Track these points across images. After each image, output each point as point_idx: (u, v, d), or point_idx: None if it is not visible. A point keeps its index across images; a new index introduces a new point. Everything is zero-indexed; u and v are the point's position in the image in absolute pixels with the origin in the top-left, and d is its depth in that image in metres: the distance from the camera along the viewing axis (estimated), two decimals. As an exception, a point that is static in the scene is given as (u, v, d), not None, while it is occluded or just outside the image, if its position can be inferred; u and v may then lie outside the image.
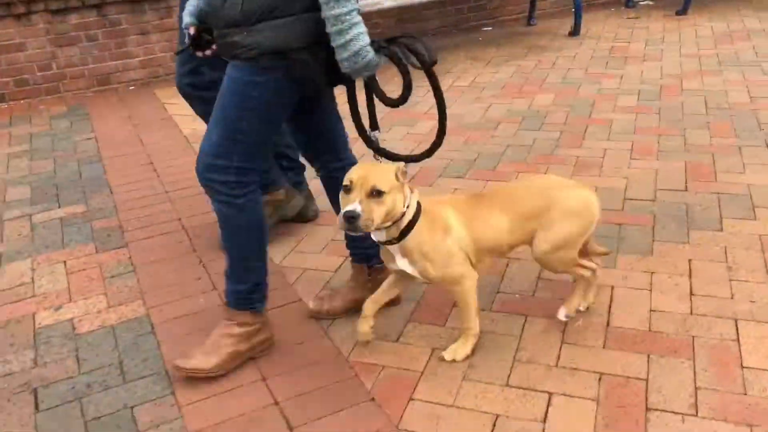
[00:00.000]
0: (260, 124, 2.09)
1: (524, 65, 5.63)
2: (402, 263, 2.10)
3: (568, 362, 2.21)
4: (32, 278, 2.95)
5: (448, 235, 2.08)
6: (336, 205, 2.28)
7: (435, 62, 2.01)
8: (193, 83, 2.97)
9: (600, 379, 2.12)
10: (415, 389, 2.14)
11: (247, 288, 2.25)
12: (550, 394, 2.09)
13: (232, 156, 2.07)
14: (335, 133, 2.36)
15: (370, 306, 2.25)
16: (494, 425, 1.98)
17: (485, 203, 2.17)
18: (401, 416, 2.04)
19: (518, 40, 6.44)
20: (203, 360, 2.19)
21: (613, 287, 2.57)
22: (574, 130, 4.15)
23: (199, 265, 2.94)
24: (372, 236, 2.07)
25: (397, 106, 2.07)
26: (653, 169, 3.53)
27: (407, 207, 2.02)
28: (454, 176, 3.65)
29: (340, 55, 1.93)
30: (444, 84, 5.30)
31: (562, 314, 2.34)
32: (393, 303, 2.47)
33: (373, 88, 2.10)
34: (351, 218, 1.88)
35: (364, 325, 2.25)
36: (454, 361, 2.21)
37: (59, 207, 3.61)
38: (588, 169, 3.60)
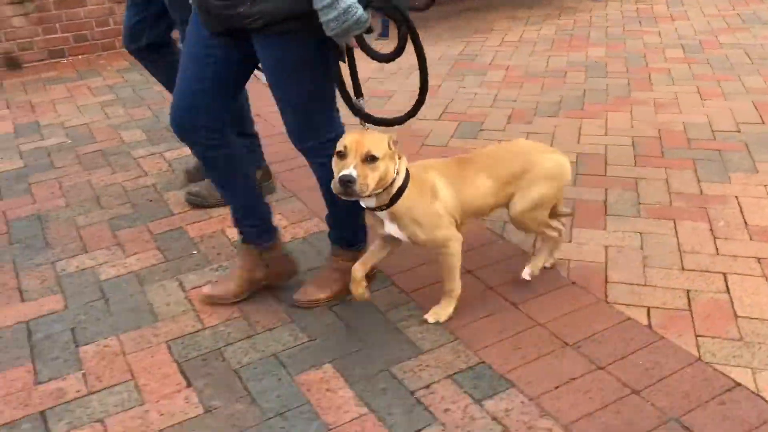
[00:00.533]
0: (316, 86, 2.10)
1: (562, 24, 6.01)
2: (391, 228, 2.15)
3: (726, 252, 2.60)
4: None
5: (436, 199, 2.14)
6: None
7: (433, 2, 2.08)
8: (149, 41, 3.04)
9: (759, 261, 2.53)
10: (606, 275, 2.50)
11: (356, 232, 2.42)
12: (724, 273, 2.48)
13: (319, 131, 2.17)
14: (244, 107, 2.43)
15: (358, 269, 2.26)
16: (688, 296, 2.36)
17: (471, 167, 2.24)
18: (605, 294, 2.40)
19: (546, 2, 6.81)
20: (317, 293, 2.43)
21: (737, 197, 2.98)
22: (639, 77, 4.55)
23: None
24: (361, 202, 2.10)
25: (393, 60, 2.04)
26: (727, 107, 3.96)
27: (397, 174, 2.06)
28: (547, 116, 4.01)
29: (327, 16, 1.85)
30: (494, 40, 5.65)
31: (526, 273, 2.42)
32: (370, 275, 2.46)
33: (362, 47, 2.04)
34: (348, 182, 1.92)
35: (358, 288, 2.26)
36: (437, 322, 2.28)
37: (183, 147, 3.82)
38: (667, 108, 4.00)
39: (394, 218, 2.11)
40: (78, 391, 2.09)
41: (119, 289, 2.58)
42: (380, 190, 2.04)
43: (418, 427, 1.89)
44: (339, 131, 2.19)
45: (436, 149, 3.63)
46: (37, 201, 3.29)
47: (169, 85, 3.05)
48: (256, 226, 2.41)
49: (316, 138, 2.18)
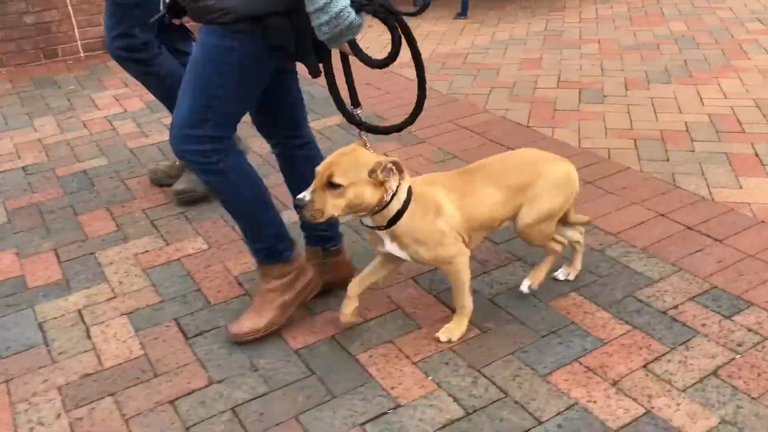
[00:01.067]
0: (237, 91, 1.98)
1: (632, 2, 6.26)
2: (391, 247, 2.06)
3: None
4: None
5: (439, 216, 2.04)
6: (291, 185, 2.31)
7: (427, 5, 1.96)
8: (125, 46, 2.90)
9: None
10: None
11: (268, 243, 2.20)
12: None
13: (206, 125, 1.97)
14: (296, 108, 2.24)
15: (354, 287, 2.17)
16: None
17: (476, 179, 2.13)
18: None
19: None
20: (255, 321, 2.22)
21: None
22: (731, 48, 4.82)
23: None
24: (361, 219, 2.03)
25: (387, 66, 1.93)
26: (832, 72, 4.25)
27: (391, 197, 1.95)
28: (660, 83, 4.26)
29: (318, 20, 1.78)
30: (572, 17, 5.89)
31: (525, 286, 2.34)
32: (374, 286, 2.34)
33: (356, 53, 1.89)
34: (296, 206, 1.88)
35: (348, 306, 2.18)
36: (449, 341, 2.18)
37: (331, 115, 4.02)
38: (771, 74, 4.28)
39: (395, 238, 2.03)
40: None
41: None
42: (360, 214, 1.96)
43: (684, 339, 2.13)
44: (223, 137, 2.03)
45: (571, 113, 3.86)
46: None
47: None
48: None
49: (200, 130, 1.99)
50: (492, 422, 1.88)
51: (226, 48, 1.91)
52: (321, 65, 1.99)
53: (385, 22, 1.87)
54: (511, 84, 4.34)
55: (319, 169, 1.89)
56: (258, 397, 2.02)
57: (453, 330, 2.19)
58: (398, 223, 1.99)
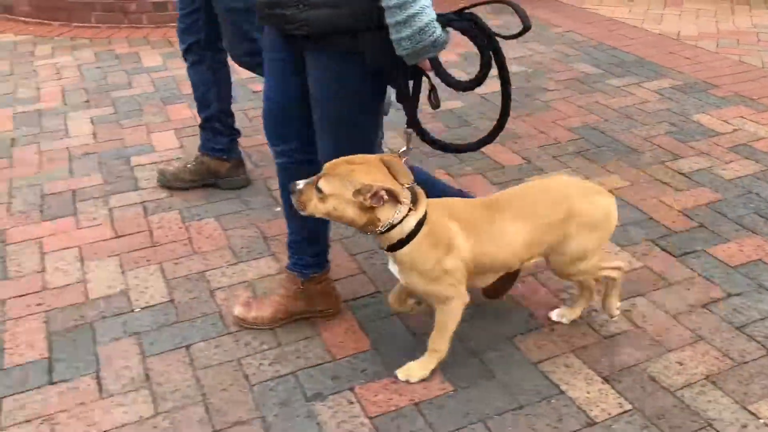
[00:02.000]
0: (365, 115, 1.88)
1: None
2: (393, 269, 1.93)
3: None
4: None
5: (449, 255, 1.84)
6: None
7: (528, 28, 1.69)
8: (250, 51, 2.74)
9: None
10: None
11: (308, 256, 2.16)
12: None
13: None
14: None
15: (393, 302, 2.11)
16: None
17: (502, 214, 1.91)
18: None
19: None
20: (260, 312, 2.18)
21: None
22: None
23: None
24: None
25: (472, 89, 1.78)
26: None
27: (396, 222, 1.77)
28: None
29: (400, 34, 1.62)
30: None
31: (555, 315, 2.20)
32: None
33: (437, 72, 1.75)
34: (291, 191, 1.81)
35: (403, 307, 2.14)
36: (407, 382, 1.98)
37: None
38: None
39: (396, 261, 1.88)
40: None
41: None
42: (359, 229, 1.81)
43: None
44: None
45: None
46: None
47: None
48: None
49: None
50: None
51: (339, 73, 1.80)
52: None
53: (474, 41, 1.72)
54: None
55: (327, 163, 1.79)
56: None
57: (414, 369, 2.00)
58: (402, 250, 1.82)
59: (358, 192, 1.71)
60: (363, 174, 1.73)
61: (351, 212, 1.74)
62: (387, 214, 1.75)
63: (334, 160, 1.77)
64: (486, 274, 1.96)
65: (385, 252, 1.87)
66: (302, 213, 1.80)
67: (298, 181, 1.79)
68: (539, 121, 3.63)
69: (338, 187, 1.73)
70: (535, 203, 1.94)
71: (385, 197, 1.72)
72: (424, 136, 1.87)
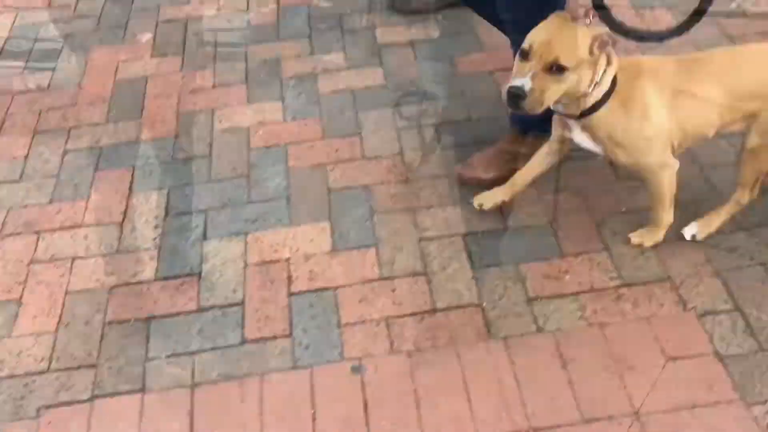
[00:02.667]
0: None
1: None
2: (580, 137, 1.78)
3: None
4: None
5: (645, 120, 1.69)
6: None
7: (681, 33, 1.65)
8: None
9: None
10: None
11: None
12: None
13: None
14: None
15: (519, 178, 1.98)
16: None
17: (697, 73, 1.73)
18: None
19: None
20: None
21: None
22: None
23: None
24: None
25: (670, 39, 1.72)
26: None
27: (595, 85, 1.64)
28: None
29: None
30: None
31: (688, 233, 1.96)
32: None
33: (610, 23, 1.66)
34: (515, 96, 1.58)
35: (499, 195, 2.01)
36: (641, 246, 1.93)
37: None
38: None
39: (586, 128, 1.74)
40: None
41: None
42: (565, 101, 1.68)
43: None
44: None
45: None
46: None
47: None
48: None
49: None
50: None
51: None
52: None
53: None
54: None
55: (532, 46, 1.59)
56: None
57: (646, 236, 1.95)
58: (593, 116, 1.70)
59: (595, 46, 1.59)
60: (578, 30, 1.60)
61: (586, 76, 1.61)
62: (600, 67, 1.65)
63: (541, 38, 1.60)
64: (686, 144, 1.80)
65: (573, 121, 1.75)
66: (537, 112, 1.63)
67: (515, 82, 1.59)
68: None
69: (580, 53, 1.58)
70: (736, 66, 1.75)
71: (610, 42, 1.61)
72: (609, 17, 1.76)
